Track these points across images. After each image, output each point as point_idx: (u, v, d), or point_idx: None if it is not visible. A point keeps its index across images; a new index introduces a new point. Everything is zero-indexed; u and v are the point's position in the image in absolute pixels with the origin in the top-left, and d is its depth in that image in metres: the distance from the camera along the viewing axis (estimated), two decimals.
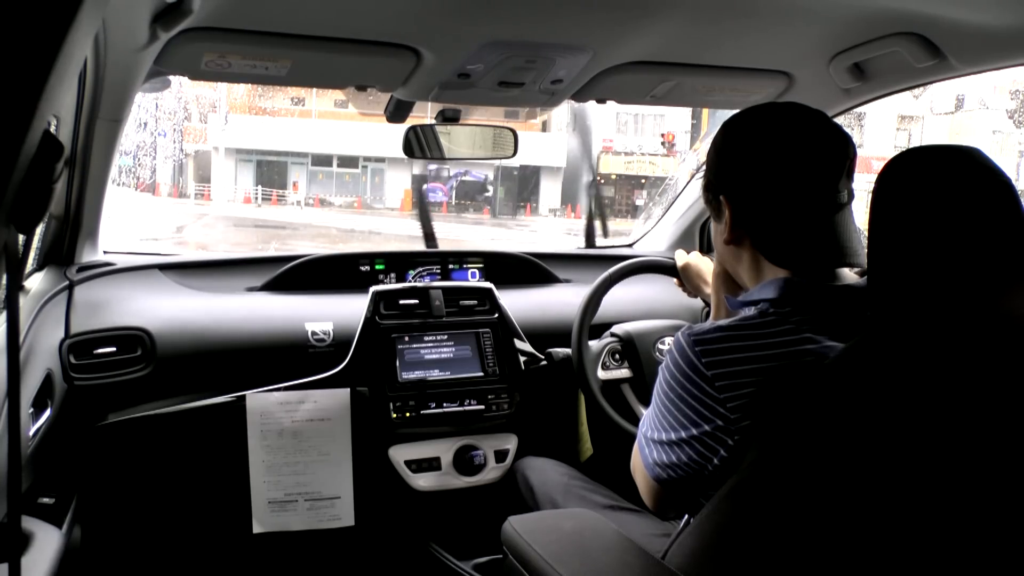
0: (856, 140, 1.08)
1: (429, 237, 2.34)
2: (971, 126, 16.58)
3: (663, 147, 18.83)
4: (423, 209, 2.51)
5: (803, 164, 1.02)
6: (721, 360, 0.98)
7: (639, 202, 19.95)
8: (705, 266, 1.59)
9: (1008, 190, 0.86)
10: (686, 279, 1.60)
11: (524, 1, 1.29)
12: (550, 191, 21.06)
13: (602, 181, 21.09)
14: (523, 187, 21.26)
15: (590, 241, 2.55)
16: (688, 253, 1.64)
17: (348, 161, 19.95)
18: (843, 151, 1.03)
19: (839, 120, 1.38)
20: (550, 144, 20.34)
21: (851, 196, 1.05)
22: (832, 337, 0.97)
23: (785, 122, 1.05)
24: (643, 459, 1.10)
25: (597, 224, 2.58)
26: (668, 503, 1.13)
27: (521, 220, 19.71)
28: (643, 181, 20.52)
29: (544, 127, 20.95)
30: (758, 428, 0.95)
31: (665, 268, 1.68)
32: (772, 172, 1.03)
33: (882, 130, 17.05)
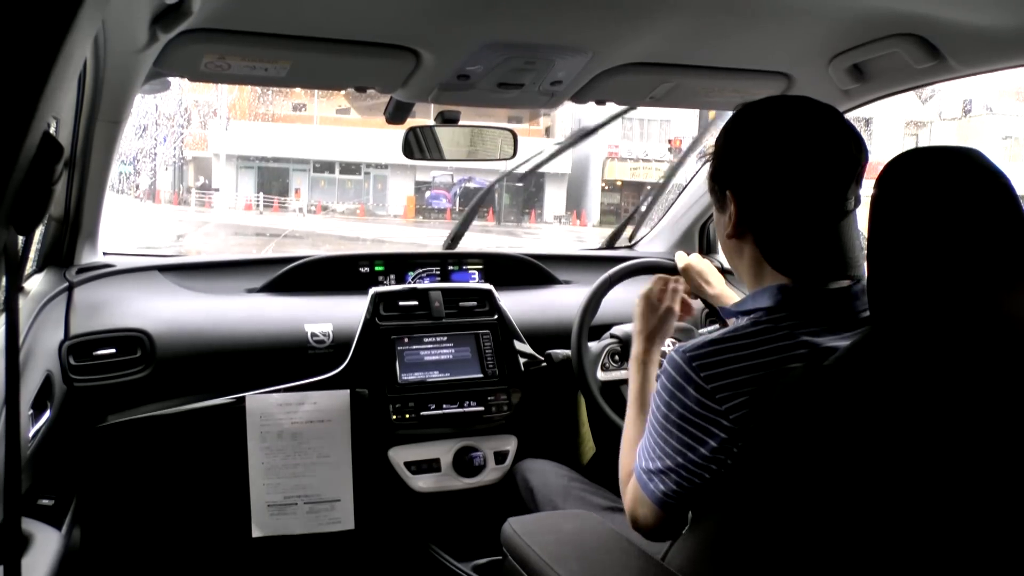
0: None
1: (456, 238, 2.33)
2: (980, 131, 16.54)
3: (670, 153, 18.81)
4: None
5: (813, 167, 1.00)
6: (719, 372, 0.96)
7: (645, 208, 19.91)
8: (706, 267, 1.58)
9: (1008, 192, 0.85)
10: (687, 280, 1.60)
11: (523, 2, 1.29)
12: (555, 198, 21.04)
13: (607, 187, 21.09)
14: (527, 194, 21.25)
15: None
16: (689, 254, 1.63)
17: (350, 167, 19.98)
18: (855, 156, 1.01)
19: None
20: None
21: (857, 202, 1.03)
22: (830, 335, 0.97)
23: (798, 119, 1.02)
24: (649, 495, 1.05)
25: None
26: (671, 527, 1.08)
27: (528, 227, 19.66)
28: (649, 187, 20.50)
29: (548, 133, 20.94)
30: (759, 431, 0.94)
31: (666, 269, 1.68)
32: (781, 173, 1.01)
33: (890, 135, 17.01)
